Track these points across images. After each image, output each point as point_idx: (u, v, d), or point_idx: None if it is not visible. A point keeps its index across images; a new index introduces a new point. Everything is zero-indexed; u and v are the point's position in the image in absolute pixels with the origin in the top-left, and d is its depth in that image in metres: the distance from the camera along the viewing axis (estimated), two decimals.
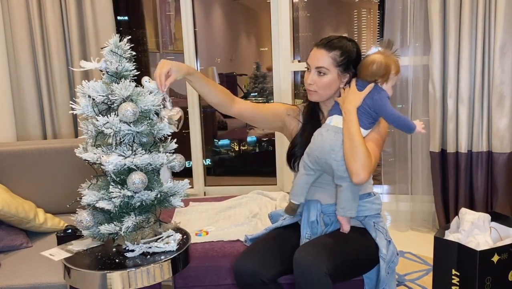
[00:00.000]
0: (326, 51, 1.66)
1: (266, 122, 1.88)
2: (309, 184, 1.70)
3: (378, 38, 4.41)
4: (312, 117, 1.79)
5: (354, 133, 1.59)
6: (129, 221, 1.41)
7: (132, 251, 1.46)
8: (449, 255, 1.78)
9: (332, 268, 1.51)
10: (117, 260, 1.44)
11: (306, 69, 1.72)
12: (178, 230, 1.65)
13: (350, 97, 1.64)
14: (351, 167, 1.58)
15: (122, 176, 1.42)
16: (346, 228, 1.67)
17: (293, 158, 1.78)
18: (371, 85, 1.64)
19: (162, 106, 1.47)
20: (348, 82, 1.70)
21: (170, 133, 1.51)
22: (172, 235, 1.53)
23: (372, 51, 1.69)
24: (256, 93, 5.96)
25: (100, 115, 1.40)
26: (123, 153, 1.39)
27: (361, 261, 1.69)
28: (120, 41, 1.43)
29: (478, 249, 1.70)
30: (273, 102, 1.94)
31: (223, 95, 1.70)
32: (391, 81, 1.65)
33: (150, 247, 1.48)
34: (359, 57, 1.71)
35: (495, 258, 1.72)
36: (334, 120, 1.67)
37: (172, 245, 1.49)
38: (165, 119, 1.46)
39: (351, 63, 1.68)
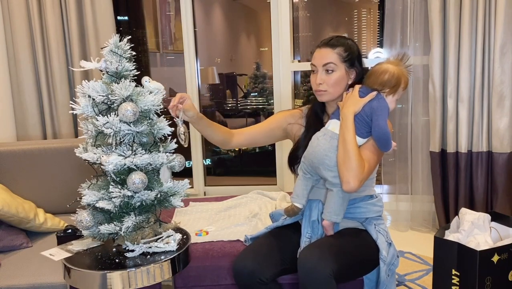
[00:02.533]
0: (331, 48, 1.67)
1: (269, 140, 1.91)
2: (309, 186, 1.70)
3: (378, 38, 4.41)
4: (316, 120, 1.79)
5: (348, 141, 1.58)
6: (129, 221, 1.41)
7: (132, 251, 1.46)
8: (449, 255, 1.78)
9: (336, 270, 1.51)
10: (117, 260, 1.44)
11: (312, 72, 1.72)
12: (178, 230, 1.65)
13: (349, 102, 1.63)
14: (342, 175, 1.58)
15: (122, 176, 1.42)
16: (329, 234, 1.68)
17: (295, 161, 1.79)
18: (373, 93, 1.62)
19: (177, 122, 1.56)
20: (352, 84, 1.70)
21: (170, 133, 1.51)
22: (172, 235, 1.53)
23: (383, 60, 1.67)
24: (256, 93, 5.96)
25: (100, 115, 1.40)
26: (123, 152, 1.39)
27: (362, 262, 1.68)
28: (120, 41, 1.43)
29: (478, 249, 1.70)
30: (276, 113, 1.95)
31: (223, 134, 1.77)
32: (397, 94, 1.63)
33: (150, 247, 1.48)
34: (360, 55, 1.72)
35: (495, 258, 1.72)
36: (331, 125, 1.66)
37: (172, 245, 1.49)
38: (181, 135, 1.55)
39: (355, 59, 1.69)
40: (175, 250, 1.48)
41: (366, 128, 1.62)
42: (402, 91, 1.63)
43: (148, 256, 1.45)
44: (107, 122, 1.36)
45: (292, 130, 1.84)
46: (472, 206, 2.82)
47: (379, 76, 1.61)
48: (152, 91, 1.47)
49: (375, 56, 3.73)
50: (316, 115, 1.80)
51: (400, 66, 1.64)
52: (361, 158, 1.59)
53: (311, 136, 1.72)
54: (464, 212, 1.90)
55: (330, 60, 1.66)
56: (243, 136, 1.82)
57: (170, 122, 1.51)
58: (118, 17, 3.53)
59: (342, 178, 1.58)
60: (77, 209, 1.46)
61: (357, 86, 1.66)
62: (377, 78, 1.62)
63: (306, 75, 4.99)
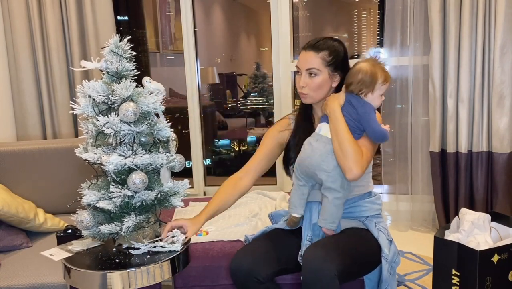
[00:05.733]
0: (315, 52, 1.68)
1: (271, 161, 1.88)
2: (305, 194, 1.70)
3: (378, 38, 4.41)
4: (304, 120, 1.80)
5: (340, 131, 1.59)
6: (130, 221, 1.41)
7: (138, 249, 1.46)
8: (449, 255, 1.78)
9: (340, 270, 1.51)
10: (117, 260, 1.44)
11: (297, 72, 1.73)
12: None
13: (331, 98, 1.66)
14: (343, 164, 1.58)
15: (122, 176, 1.42)
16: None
17: (288, 162, 1.80)
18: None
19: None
20: (337, 87, 1.71)
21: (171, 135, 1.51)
22: (176, 236, 1.53)
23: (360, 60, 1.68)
24: (256, 93, 5.96)
25: (100, 115, 1.40)
26: (124, 152, 1.39)
27: (365, 262, 1.68)
28: (120, 41, 1.43)
29: (478, 249, 1.70)
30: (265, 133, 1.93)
31: (233, 193, 1.77)
32: (378, 90, 1.63)
33: (155, 247, 1.48)
34: (346, 56, 1.73)
35: (495, 258, 1.72)
36: (323, 130, 1.66)
37: (177, 245, 1.49)
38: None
39: (339, 63, 1.69)
40: (179, 250, 1.48)
41: (358, 132, 1.64)
42: (382, 86, 1.63)
43: (148, 256, 1.45)
44: (108, 122, 1.36)
45: (284, 137, 1.84)
46: (472, 206, 2.82)
47: (354, 78, 1.62)
48: (153, 91, 1.47)
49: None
50: (305, 116, 1.81)
51: (374, 62, 1.64)
52: (356, 144, 1.60)
53: (300, 136, 1.73)
54: (464, 212, 1.90)
55: (313, 66, 1.67)
56: (250, 173, 1.80)
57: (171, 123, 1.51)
58: (118, 17, 3.53)
59: (344, 167, 1.58)
60: (77, 209, 1.46)
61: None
62: (352, 79, 1.63)
63: None
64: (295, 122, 1.82)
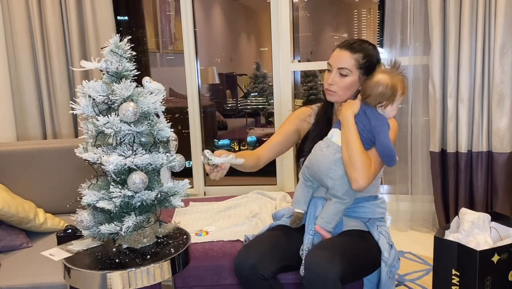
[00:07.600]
0: (350, 52, 1.67)
1: (288, 145, 1.91)
2: (310, 193, 1.73)
3: (378, 38, 4.41)
4: (325, 117, 1.81)
5: (351, 141, 1.59)
6: (130, 221, 1.41)
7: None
8: (449, 255, 1.78)
9: (343, 272, 1.51)
10: (117, 260, 1.44)
11: (327, 69, 1.73)
12: (178, 230, 1.65)
13: (346, 105, 1.66)
14: (350, 174, 1.59)
15: (122, 176, 1.42)
16: (326, 238, 1.68)
17: (301, 154, 1.81)
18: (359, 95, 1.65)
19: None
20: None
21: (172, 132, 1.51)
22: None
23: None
24: (256, 93, 5.96)
25: (100, 115, 1.40)
26: (124, 152, 1.39)
27: (365, 264, 1.69)
28: (120, 41, 1.43)
29: (478, 249, 1.70)
30: (288, 116, 1.94)
31: (252, 160, 1.79)
32: (397, 101, 1.62)
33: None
34: (379, 62, 1.71)
35: (495, 258, 1.72)
36: (335, 137, 1.66)
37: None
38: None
39: (371, 67, 1.68)
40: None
41: (369, 142, 1.64)
42: (401, 96, 1.62)
43: (148, 256, 1.45)
44: (108, 122, 1.36)
45: (303, 127, 1.86)
46: (472, 206, 2.82)
47: (373, 89, 1.60)
48: (153, 91, 1.47)
49: None
50: (326, 113, 1.82)
51: (393, 74, 1.62)
52: (366, 155, 1.60)
53: (317, 133, 1.75)
54: (464, 212, 1.90)
55: (345, 66, 1.67)
56: (268, 152, 1.84)
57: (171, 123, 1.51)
58: (118, 17, 3.53)
59: (351, 177, 1.59)
60: (77, 209, 1.46)
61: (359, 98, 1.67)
62: (371, 91, 1.61)
63: (306, 75, 4.99)
64: (316, 118, 1.83)
